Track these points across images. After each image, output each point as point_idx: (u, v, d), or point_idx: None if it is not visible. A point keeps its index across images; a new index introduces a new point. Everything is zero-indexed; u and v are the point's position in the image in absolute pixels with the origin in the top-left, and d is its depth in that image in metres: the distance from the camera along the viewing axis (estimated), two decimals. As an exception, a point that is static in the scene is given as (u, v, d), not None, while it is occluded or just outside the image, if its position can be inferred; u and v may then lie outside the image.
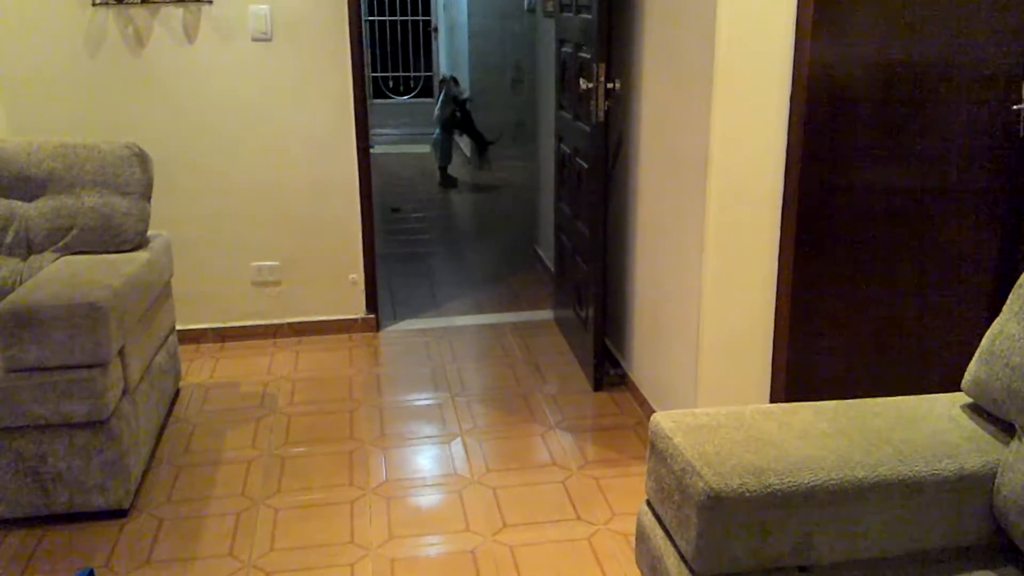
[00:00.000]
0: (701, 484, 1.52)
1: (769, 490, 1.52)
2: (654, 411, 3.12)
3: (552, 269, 4.51)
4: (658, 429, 1.69)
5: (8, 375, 2.43)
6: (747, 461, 1.56)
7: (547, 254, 4.85)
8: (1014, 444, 1.61)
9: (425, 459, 2.93)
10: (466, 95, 7.53)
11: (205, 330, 3.92)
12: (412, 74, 10.45)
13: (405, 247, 5.65)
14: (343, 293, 3.99)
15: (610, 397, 3.37)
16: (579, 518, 2.59)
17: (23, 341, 2.43)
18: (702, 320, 2.68)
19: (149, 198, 3.10)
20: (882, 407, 1.79)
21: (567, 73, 3.63)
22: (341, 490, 2.74)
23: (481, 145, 7.54)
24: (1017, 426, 1.62)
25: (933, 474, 1.58)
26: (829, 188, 2.59)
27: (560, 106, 3.83)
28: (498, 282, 4.86)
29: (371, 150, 9.06)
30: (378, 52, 10.28)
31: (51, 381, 2.45)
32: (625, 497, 2.69)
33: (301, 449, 2.99)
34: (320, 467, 2.88)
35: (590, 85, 3.12)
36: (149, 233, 3.21)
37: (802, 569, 1.58)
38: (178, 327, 3.83)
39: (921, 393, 1.89)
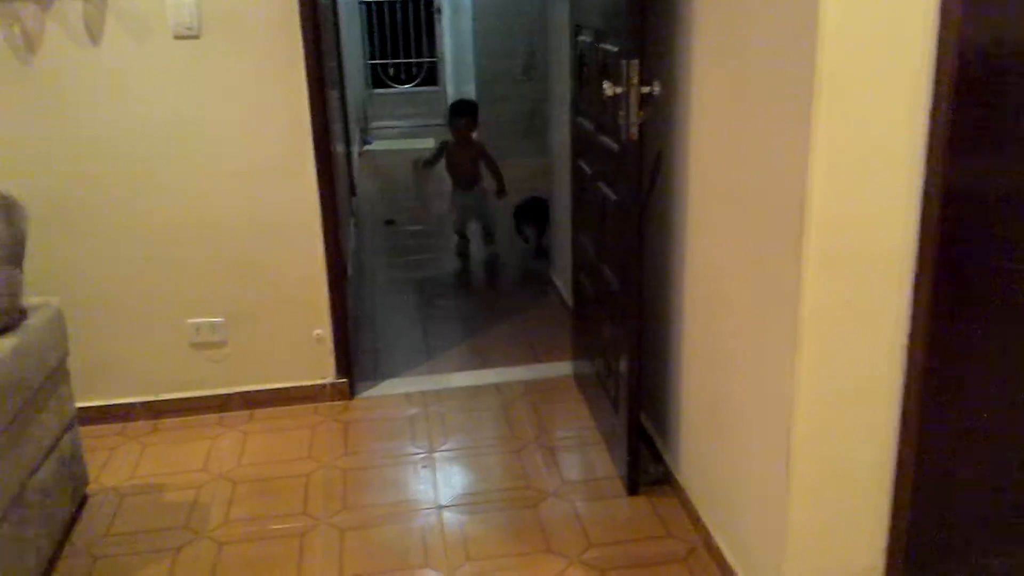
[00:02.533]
0: None
1: None
2: (711, 534, 2.28)
3: (568, 303, 3.67)
4: None
5: None
6: None
7: (562, 282, 3.99)
8: None
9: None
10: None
11: (133, 405, 3.10)
12: (415, 60, 9.57)
13: (397, 270, 4.81)
14: (306, 353, 3.16)
15: (650, 505, 2.52)
16: None
17: None
18: (794, 429, 1.82)
19: (19, 262, 2.28)
20: None
21: (586, 70, 2.75)
22: None
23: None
24: None
25: None
26: (987, 240, 1.72)
27: (577, 110, 2.96)
28: (505, 318, 4.01)
29: (368, 147, 8.26)
30: (376, 38, 9.41)
31: None
32: None
33: (227, 606, 2.18)
34: (249, 640, 2.06)
35: (619, 90, 2.25)
36: (35, 301, 2.41)
37: None
38: (101, 403, 3.03)
39: None
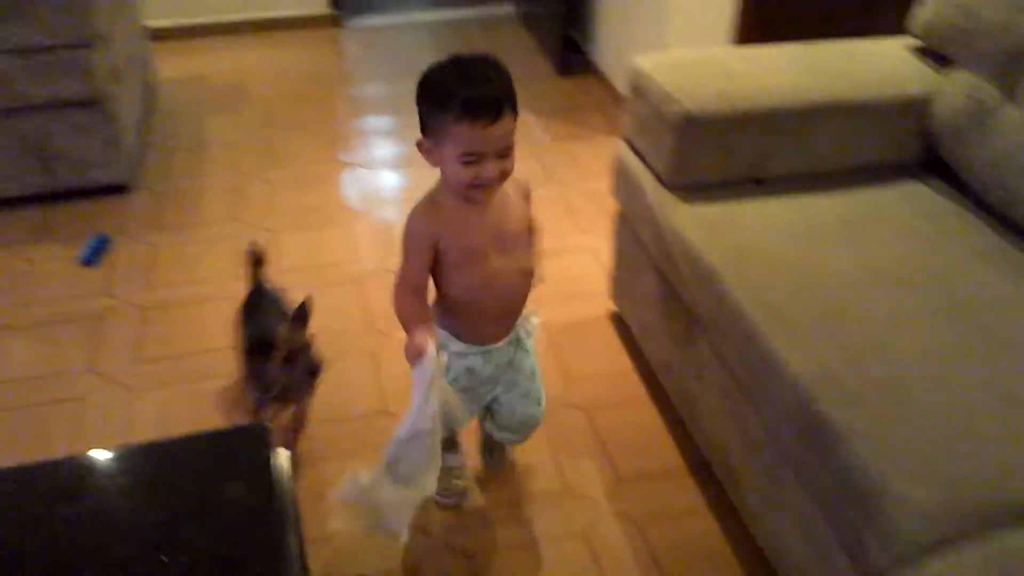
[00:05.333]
0: (678, 108, 1.72)
1: (736, 112, 1.74)
2: (619, 93, 3.30)
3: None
4: (640, 70, 1.87)
5: (-1, 56, 2.48)
6: (718, 89, 1.76)
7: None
8: (951, 74, 1.82)
9: (395, 145, 3.10)
10: None
11: (170, 28, 3.89)
12: None
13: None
14: (306, -14, 3.96)
15: (575, 82, 3.52)
16: (554, 182, 2.83)
17: (6, 21, 2.45)
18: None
19: None
20: (840, 47, 1.98)
21: None
22: (329, 164, 2.93)
23: None
24: (956, 60, 1.83)
25: (879, 98, 1.81)
26: None
27: None
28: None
29: None
30: None
31: (43, 61, 2.50)
32: (594, 162, 2.92)
33: (285, 131, 3.14)
34: (306, 146, 3.04)
35: None
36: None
37: (757, 181, 1.83)
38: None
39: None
